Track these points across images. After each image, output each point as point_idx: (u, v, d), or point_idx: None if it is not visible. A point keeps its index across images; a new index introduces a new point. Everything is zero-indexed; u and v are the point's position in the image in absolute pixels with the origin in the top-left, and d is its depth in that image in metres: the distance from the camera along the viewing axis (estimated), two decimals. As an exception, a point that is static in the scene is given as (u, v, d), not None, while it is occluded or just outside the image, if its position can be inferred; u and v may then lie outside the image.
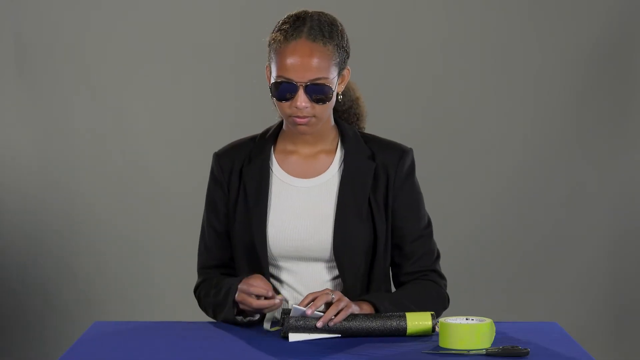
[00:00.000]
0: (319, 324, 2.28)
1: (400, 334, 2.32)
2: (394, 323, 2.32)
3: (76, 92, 4.34)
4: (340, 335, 2.31)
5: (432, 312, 2.35)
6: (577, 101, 4.37)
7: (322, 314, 2.29)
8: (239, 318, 2.45)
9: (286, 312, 2.34)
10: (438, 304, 2.53)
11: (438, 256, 2.59)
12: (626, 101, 4.38)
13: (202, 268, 2.61)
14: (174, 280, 4.33)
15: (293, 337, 2.29)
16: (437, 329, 2.32)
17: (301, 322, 2.29)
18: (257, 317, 2.45)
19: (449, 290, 2.60)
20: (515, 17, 4.37)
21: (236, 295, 2.41)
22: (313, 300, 2.31)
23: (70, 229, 4.38)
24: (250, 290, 2.38)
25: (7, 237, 4.39)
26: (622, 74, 4.36)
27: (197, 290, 2.62)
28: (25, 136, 4.35)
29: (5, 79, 4.33)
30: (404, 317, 2.33)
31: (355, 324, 2.32)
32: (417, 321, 2.32)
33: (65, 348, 2.35)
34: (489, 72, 4.38)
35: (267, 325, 2.39)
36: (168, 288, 4.36)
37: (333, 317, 2.29)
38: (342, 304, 2.31)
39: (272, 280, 2.55)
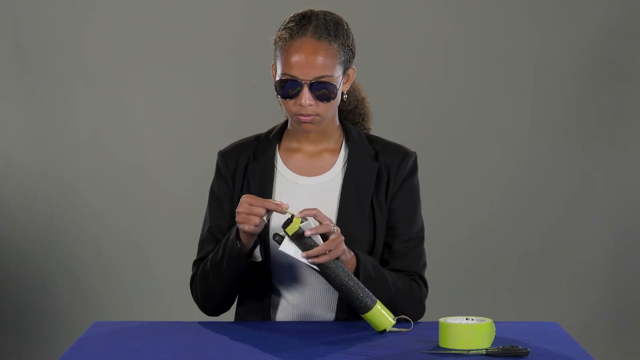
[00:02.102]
0: (303, 256, 2.30)
1: (360, 310, 2.34)
2: (364, 297, 2.33)
3: (76, 91, 4.34)
4: (317, 270, 2.33)
5: (396, 319, 2.36)
6: (577, 101, 4.37)
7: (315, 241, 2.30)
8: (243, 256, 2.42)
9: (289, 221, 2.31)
10: (414, 304, 2.52)
11: (425, 265, 2.59)
12: (626, 101, 4.38)
13: (199, 260, 2.59)
14: (174, 280, 4.33)
15: (284, 246, 2.31)
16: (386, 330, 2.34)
17: (296, 242, 2.30)
18: (259, 259, 2.45)
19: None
20: (516, 17, 4.37)
21: (239, 208, 2.36)
22: (315, 218, 2.31)
23: (70, 229, 4.38)
24: (257, 202, 2.34)
25: (7, 236, 4.39)
26: (622, 74, 4.36)
27: (193, 280, 2.59)
28: (25, 135, 4.35)
29: (5, 78, 4.33)
30: (376, 301, 2.34)
31: (335, 271, 2.32)
32: (382, 313, 2.33)
33: (65, 348, 2.35)
34: (490, 73, 4.38)
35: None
36: (168, 288, 4.36)
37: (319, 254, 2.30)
38: (332, 245, 2.31)
39: (273, 279, 2.55)
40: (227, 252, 2.44)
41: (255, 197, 2.38)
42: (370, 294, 2.36)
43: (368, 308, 2.34)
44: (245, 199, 2.37)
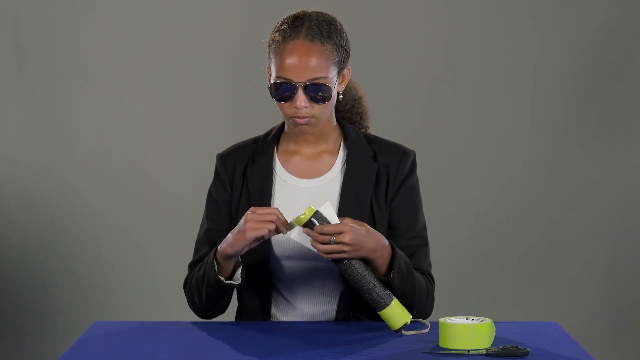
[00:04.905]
0: (312, 245, 2.30)
1: (376, 307, 2.33)
2: (380, 294, 2.32)
3: (76, 91, 4.34)
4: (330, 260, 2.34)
5: (411, 317, 2.35)
6: (577, 101, 4.37)
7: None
8: (221, 279, 2.42)
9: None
10: (429, 300, 2.52)
11: (430, 264, 2.59)
12: (626, 101, 4.38)
13: (194, 263, 2.59)
14: (174, 280, 4.30)
15: (295, 234, 2.31)
16: (403, 332, 2.33)
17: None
18: (239, 282, 2.44)
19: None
20: (516, 16, 4.37)
21: (245, 224, 2.34)
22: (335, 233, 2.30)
23: (70, 229, 4.38)
24: (264, 217, 2.33)
25: (7, 236, 4.39)
26: (622, 74, 4.36)
27: (186, 283, 2.59)
28: (26, 135, 4.35)
29: (6, 78, 4.33)
30: (392, 298, 2.33)
31: (352, 266, 2.32)
32: (398, 311, 2.32)
33: (65, 348, 2.35)
34: (489, 73, 4.38)
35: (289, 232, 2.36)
36: (168, 288, 4.36)
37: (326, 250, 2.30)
38: (345, 248, 2.29)
39: (273, 279, 2.55)
40: (207, 273, 2.45)
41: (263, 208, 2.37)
42: (387, 291, 2.34)
43: (384, 305, 2.33)
44: (253, 209, 2.35)
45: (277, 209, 2.35)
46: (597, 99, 4.36)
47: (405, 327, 2.34)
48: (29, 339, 4.40)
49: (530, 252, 4.42)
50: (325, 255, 2.31)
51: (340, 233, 2.29)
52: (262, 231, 2.32)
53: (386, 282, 2.37)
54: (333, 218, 2.32)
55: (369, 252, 2.34)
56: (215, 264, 2.42)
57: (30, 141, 4.36)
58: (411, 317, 2.35)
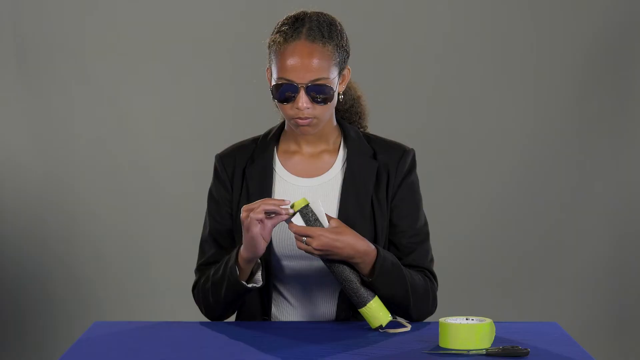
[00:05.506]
0: (294, 234, 2.35)
1: (356, 304, 2.38)
2: (361, 291, 2.37)
3: (77, 91, 4.34)
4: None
5: (391, 318, 2.38)
6: (577, 101, 4.37)
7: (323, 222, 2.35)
8: (243, 283, 2.43)
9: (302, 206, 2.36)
10: (428, 299, 2.52)
11: (432, 260, 2.59)
12: (626, 101, 4.38)
13: (202, 265, 2.60)
14: (174, 280, 4.33)
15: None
16: (380, 330, 2.37)
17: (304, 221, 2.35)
18: (260, 283, 2.45)
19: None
20: (516, 16, 4.37)
21: (243, 224, 2.36)
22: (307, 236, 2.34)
23: (70, 229, 4.38)
24: (262, 207, 2.35)
25: (6, 236, 4.39)
26: (622, 73, 4.36)
27: (196, 286, 2.59)
28: (26, 135, 4.35)
29: (6, 78, 4.33)
30: (373, 297, 2.37)
31: (333, 263, 2.37)
32: (378, 310, 2.36)
33: (65, 348, 2.35)
34: (489, 71, 4.38)
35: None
36: (168, 288, 4.36)
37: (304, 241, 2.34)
38: (314, 252, 2.34)
39: (274, 279, 2.55)
40: (227, 277, 2.45)
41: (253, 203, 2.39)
42: (368, 290, 2.38)
43: (361, 304, 2.37)
44: (245, 206, 2.38)
45: (266, 199, 2.37)
46: (597, 99, 4.36)
47: (387, 325, 2.37)
48: (29, 339, 4.40)
49: (530, 252, 4.42)
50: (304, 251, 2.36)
51: (310, 237, 2.33)
52: (254, 229, 2.35)
53: (368, 283, 2.40)
54: (321, 215, 2.35)
55: (346, 258, 2.37)
56: (237, 269, 2.43)
57: (30, 141, 4.36)
58: (389, 318, 2.37)
